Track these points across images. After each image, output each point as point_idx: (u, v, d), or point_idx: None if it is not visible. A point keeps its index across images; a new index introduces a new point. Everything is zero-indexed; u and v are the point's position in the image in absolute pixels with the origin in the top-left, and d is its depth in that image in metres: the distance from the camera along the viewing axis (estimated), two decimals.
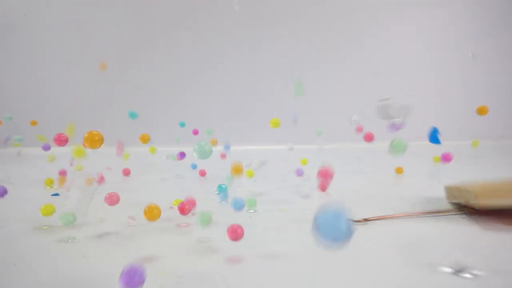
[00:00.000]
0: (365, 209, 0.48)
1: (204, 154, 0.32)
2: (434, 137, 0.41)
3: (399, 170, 0.79)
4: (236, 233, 0.32)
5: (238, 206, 0.40)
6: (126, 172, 0.85)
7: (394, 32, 1.64)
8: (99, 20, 1.57)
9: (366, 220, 0.42)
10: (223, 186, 0.56)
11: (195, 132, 1.00)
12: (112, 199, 0.42)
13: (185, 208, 0.42)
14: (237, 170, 0.45)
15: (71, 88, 1.57)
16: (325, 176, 0.37)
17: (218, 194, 0.56)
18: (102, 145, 0.32)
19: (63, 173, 0.68)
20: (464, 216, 0.43)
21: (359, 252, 0.33)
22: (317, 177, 0.38)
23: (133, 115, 0.89)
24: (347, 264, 0.30)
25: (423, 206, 0.48)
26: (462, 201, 0.45)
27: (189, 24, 1.59)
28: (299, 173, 0.73)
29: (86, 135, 0.32)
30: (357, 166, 0.94)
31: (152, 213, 0.33)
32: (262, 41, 1.61)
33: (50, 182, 0.67)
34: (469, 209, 0.44)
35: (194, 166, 0.96)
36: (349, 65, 1.63)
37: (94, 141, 0.32)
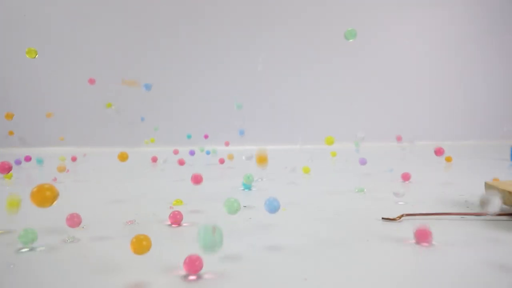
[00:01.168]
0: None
1: (211, 244, 0.28)
2: None
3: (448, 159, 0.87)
4: (194, 265, 0.29)
5: (273, 207, 0.35)
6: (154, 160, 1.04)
7: (394, 32, 1.64)
8: (99, 20, 1.57)
9: (401, 216, 0.42)
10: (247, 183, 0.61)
11: (206, 136, 1.17)
12: (4, 167, 0.41)
13: (177, 218, 0.42)
14: (262, 159, 0.43)
15: (71, 87, 1.57)
16: (424, 238, 0.33)
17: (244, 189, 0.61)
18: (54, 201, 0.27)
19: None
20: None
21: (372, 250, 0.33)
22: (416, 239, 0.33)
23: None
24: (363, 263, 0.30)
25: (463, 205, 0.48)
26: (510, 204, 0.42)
27: (188, 24, 1.59)
28: (363, 162, 0.81)
29: (35, 190, 0.26)
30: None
31: (141, 244, 0.28)
32: (262, 41, 1.61)
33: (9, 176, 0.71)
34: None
35: (208, 152, 1.15)
36: (349, 65, 1.63)
37: (44, 198, 0.26)
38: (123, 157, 0.52)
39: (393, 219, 0.42)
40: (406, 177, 0.69)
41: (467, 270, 0.29)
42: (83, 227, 0.41)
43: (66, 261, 0.32)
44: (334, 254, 0.32)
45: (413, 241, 0.33)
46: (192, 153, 1.16)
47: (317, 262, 0.31)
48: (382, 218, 0.42)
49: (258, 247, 0.34)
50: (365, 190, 0.59)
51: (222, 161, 0.99)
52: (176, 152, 1.21)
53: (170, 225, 0.42)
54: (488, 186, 0.47)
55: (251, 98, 1.59)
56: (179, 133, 1.56)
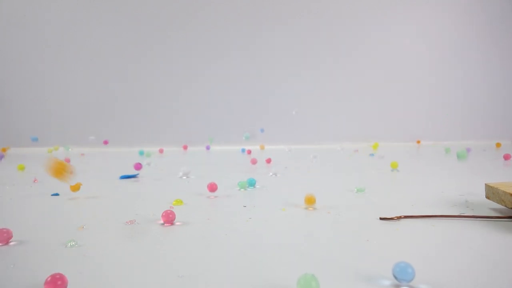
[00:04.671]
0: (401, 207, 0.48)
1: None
2: None
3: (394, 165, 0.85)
4: (168, 217, 0.41)
5: (406, 275, 0.26)
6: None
7: (394, 32, 1.64)
8: (97, 20, 1.57)
9: (399, 217, 0.42)
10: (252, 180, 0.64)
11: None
12: None
13: (169, 217, 0.42)
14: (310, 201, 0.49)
15: (70, 88, 1.57)
16: None
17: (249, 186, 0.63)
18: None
19: None
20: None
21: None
22: None
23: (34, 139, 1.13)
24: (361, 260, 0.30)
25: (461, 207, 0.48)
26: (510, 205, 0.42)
27: (187, 24, 1.59)
28: (468, 150, 0.96)
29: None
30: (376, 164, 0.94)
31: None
32: (262, 41, 1.61)
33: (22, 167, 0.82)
34: None
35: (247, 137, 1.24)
36: (349, 65, 1.63)
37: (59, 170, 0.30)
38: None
39: (391, 219, 0.42)
40: (507, 157, 0.87)
41: (467, 270, 0.29)
42: (83, 227, 0.41)
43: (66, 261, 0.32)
44: (334, 254, 0.32)
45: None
46: (207, 147, 1.39)
47: (317, 262, 0.31)
48: (380, 218, 0.43)
49: (258, 247, 0.34)
50: (365, 189, 0.59)
51: (249, 152, 1.23)
52: (161, 151, 1.33)
53: (162, 224, 0.42)
54: (488, 187, 0.47)
55: (251, 97, 1.59)
56: (179, 133, 1.57)
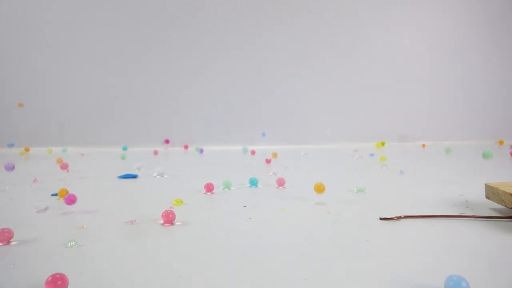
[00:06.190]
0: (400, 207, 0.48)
1: None
2: None
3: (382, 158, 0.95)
4: (168, 217, 0.41)
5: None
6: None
7: (394, 32, 1.64)
8: (97, 20, 1.57)
9: (399, 217, 0.42)
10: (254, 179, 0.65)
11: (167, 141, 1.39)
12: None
13: (169, 217, 0.42)
14: (320, 188, 0.54)
15: (70, 88, 1.57)
16: None
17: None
18: None
19: None
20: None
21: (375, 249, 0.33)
22: None
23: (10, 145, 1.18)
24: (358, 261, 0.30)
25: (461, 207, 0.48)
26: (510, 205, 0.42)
27: (187, 24, 1.59)
28: None
29: None
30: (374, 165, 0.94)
31: None
32: (262, 41, 1.61)
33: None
34: None
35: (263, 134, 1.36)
36: (349, 65, 1.63)
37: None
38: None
39: (391, 219, 0.42)
40: None
41: (467, 270, 0.29)
42: (83, 227, 0.41)
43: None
44: (334, 254, 0.32)
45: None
46: (201, 151, 1.35)
47: (317, 262, 0.31)
48: (380, 218, 0.43)
49: (258, 247, 0.34)
50: (365, 189, 0.59)
51: (253, 152, 1.25)
52: (156, 152, 1.32)
53: (162, 224, 0.42)
54: (488, 187, 0.47)
55: (251, 97, 1.59)
56: (179, 133, 1.57)
